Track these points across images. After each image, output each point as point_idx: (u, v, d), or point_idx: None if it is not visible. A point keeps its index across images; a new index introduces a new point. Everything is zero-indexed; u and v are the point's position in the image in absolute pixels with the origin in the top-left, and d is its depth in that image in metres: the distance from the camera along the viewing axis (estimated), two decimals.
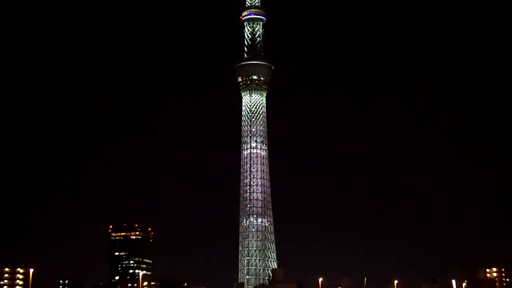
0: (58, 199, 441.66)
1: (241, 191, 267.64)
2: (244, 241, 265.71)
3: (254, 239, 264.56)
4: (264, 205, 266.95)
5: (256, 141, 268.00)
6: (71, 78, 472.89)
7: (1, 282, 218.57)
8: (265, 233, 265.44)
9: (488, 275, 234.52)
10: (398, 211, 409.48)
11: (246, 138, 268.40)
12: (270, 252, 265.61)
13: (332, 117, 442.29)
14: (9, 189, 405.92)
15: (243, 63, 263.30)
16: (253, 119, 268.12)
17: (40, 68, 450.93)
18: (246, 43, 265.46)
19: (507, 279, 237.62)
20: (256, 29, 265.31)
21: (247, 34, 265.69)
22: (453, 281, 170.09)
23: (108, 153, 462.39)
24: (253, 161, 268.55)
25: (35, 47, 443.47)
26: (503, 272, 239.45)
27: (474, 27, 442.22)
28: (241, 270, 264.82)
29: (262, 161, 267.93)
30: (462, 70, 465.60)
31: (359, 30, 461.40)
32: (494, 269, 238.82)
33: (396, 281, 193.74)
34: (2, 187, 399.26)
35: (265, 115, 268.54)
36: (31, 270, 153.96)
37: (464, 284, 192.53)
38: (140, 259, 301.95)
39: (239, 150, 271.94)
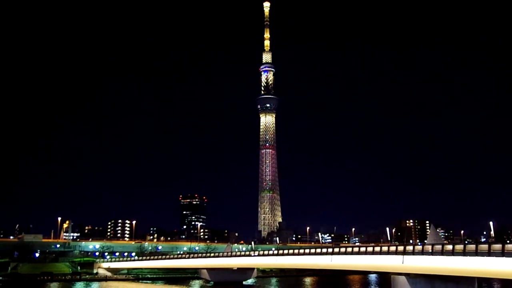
0: (150, 180, 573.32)
1: (259, 175, 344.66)
2: (261, 205, 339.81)
3: (268, 203, 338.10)
4: (273, 183, 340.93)
5: (269, 144, 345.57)
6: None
7: (117, 229, 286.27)
8: (274, 200, 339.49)
9: (407, 224, 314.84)
10: (360, 185, 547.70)
11: (262, 142, 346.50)
12: (277, 212, 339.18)
13: (319, 130, 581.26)
14: (126, 170, 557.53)
15: (261, 97, 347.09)
16: (267, 131, 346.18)
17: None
18: (263, 84, 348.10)
19: (418, 227, 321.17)
20: (269, 75, 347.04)
21: (263, 79, 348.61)
22: (387, 228, 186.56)
23: (180, 148, 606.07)
24: (267, 157, 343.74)
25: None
26: (416, 222, 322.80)
27: None
28: (260, 223, 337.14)
29: (272, 157, 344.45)
30: None
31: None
32: (411, 221, 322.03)
33: (353, 228, 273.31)
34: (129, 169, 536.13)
35: (275, 129, 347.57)
36: (134, 222, 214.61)
37: (393, 230, 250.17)
38: (198, 216, 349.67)
39: (258, 150, 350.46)
